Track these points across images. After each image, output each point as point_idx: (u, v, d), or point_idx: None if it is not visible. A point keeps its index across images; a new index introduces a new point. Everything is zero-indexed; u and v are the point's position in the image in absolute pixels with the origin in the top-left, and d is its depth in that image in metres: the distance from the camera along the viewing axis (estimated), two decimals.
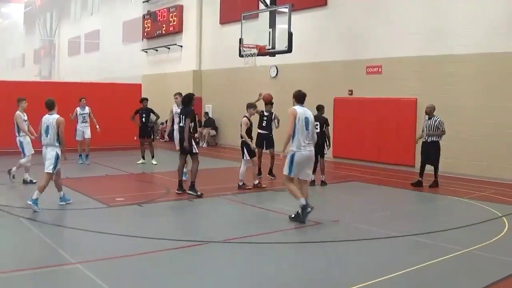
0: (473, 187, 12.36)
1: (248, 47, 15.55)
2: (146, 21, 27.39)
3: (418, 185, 12.19)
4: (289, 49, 14.63)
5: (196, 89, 24.14)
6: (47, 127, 9.13)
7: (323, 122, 12.54)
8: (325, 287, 5.65)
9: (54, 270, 5.91)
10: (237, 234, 7.82)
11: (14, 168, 11.53)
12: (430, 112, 12.27)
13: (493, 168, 13.53)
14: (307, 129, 8.35)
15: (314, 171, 12.44)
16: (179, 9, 25.07)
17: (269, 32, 15.03)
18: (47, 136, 9.14)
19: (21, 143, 11.42)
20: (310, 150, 8.42)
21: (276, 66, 19.90)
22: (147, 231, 7.78)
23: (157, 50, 26.78)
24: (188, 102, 10.73)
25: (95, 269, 5.87)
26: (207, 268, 6.16)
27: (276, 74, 20.11)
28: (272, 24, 15.11)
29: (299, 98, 8.58)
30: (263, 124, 12.78)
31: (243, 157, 11.55)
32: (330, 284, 5.73)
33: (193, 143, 10.47)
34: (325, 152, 12.64)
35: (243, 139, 11.49)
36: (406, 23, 15.57)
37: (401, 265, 6.27)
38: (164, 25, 25.97)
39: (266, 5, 15.77)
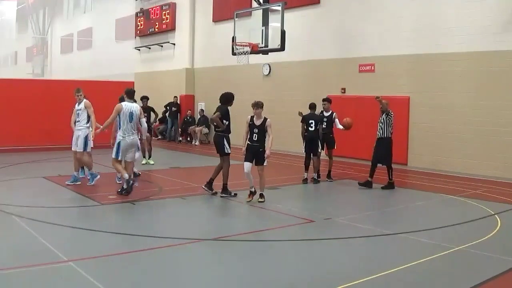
0: (465, 185, 12.40)
1: (241, 45, 15.56)
2: (138, 19, 27.34)
3: (368, 185, 11.68)
4: (282, 47, 14.64)
5: (189, 87, 24.17)
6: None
7: (318, 120, 12.49)
8: (317, 285, 5.65)
9: (46, 268, 5.87)
10: (229, 232, 7.82)
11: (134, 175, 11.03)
12: (386, 109, 11.59)
13: (485, 166, 13.58)
14: (130, 121, 10.04)
15: (306, 169, 12.48)
16: (172, 7, 25.03)
17: (262, 30, 15.05)
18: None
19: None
20: (133, 138, 10.10)
21: (269, 64, 19.89)
22: (140, 229, 7.76)
23: (149, 48, 26.72)
24: (224, 102, 10.32)
25: (88, 267, 5.85)
26: (199, 265, 6.15)
27: (269, 72, 20.11)
28: (265, 22, 15.12)
29: (129, 94, 10.40)
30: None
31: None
32: (322, 281, 5.73)
33: (225, 143, 10.14)
34: (319, 151, 12.58)
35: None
36: (398, 21, 15.61)
37: (394, 263, 6.28)
38: (157, 23, 25.92)
39: (259, 3, 15.77)
